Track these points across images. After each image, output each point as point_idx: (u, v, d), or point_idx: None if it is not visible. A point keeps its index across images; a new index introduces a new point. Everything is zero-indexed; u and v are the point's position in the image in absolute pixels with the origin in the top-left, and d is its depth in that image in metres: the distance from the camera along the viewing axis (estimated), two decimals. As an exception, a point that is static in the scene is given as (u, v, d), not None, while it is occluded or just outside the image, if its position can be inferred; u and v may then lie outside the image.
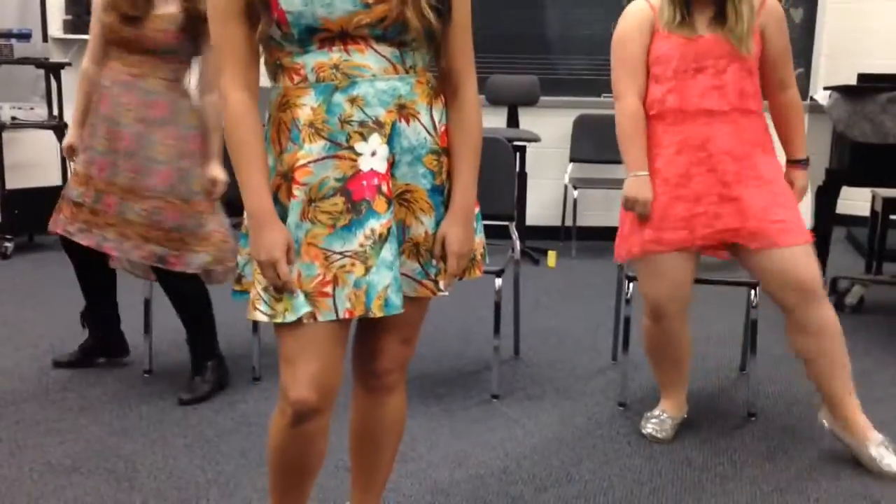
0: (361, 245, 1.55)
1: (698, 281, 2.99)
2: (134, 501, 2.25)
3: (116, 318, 3.25)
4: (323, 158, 1.55)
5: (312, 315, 1.55)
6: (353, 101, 1.54)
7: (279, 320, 1.56)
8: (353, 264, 1.55)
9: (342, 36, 1.53)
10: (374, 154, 1.55)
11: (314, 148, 1.55)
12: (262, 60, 1.61)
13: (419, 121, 1.60)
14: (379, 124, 1.55)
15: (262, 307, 1.57)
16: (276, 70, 1.60)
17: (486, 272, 1.83)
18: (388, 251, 1.56)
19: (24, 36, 4.96)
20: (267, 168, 1.58)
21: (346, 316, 1.56)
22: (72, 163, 3.02)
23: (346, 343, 1.65)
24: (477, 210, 1.73)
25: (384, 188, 1.55)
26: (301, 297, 1.55)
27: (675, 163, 2.54)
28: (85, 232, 2.85)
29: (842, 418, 2.54)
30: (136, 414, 2.83)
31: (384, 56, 1.56)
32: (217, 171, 2.88)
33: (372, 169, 1.55)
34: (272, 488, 1.75)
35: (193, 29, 2.79)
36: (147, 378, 3.14)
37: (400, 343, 1.75)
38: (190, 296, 2.99)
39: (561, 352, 3.56)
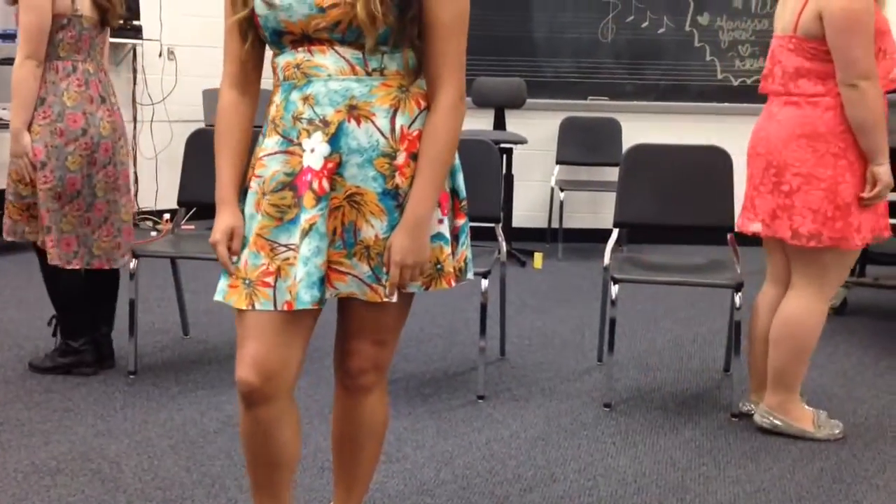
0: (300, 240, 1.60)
1: (681, 283, 3.01)
2: (119, 502, 2.25)
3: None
4: (276, 153, 1.63)
5: (251, 303, 1.60)
6: (305, 99, 1.60)
7: (217, 297, 1.66)
8: (295, 257, 1.59)
9: (307, 38, 1.59)
10: (312, 151, 1.59)
11: (269, 142, 1.64)
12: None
13: (373, 123, 1.59)
14: (325, 123, 1.58)
15: (219, 286, 1.67)
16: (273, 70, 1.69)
17: (474, 274, 1.83)
18: (307, 246, 1.57)
19: (9, 36, 4.94)
20: (237, 160, 1.68)
21: (286, 308, 1.59)
22: None
23: (303, 336, 1.66)
24: (464, 221, 1.73)
25: (315, 185, 1.58)
26: (223, 282, 1.64)
27: None
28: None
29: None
30: (120, 415, 2.82)
31: (344, 58, 1.58)
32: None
33: (309, 166, 1.59)
34: (251, 485, 1.78)
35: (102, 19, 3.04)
36: (131, 379, 3.13)
37: (372, 344, 1.76)
38: (46, 276, 3.13)
39: (547, 353, 3.58)
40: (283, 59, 1.62)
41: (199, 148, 3.47)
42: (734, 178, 3.15)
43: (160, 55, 6.04)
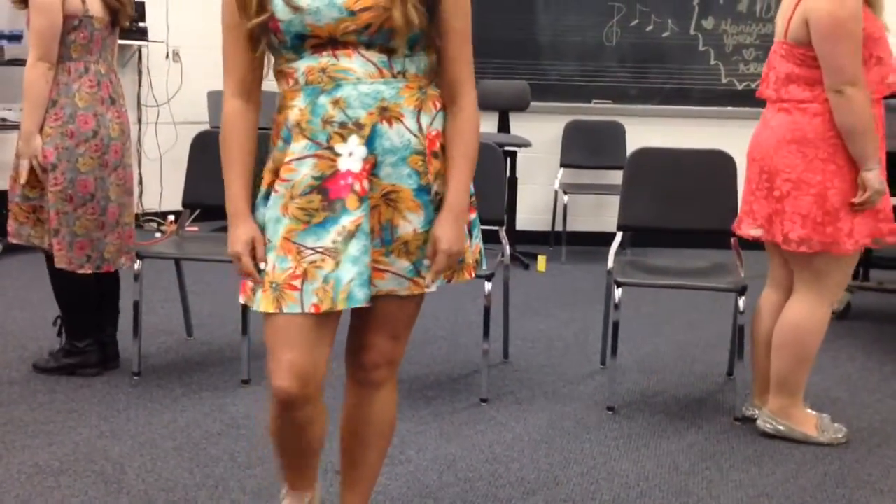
0: (334, 242, 1.61)
1: (684, 287, 3.01)
2: (122, 504, 2.25)
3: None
4: (304, 157, 1.63)
5: (279, 307, 1.62)
6: (335, 102, 1.61)
7: (243, 301, 1.71)
8: (323, 260, 1.61)
9: (332, 42, 1.61)
10: (351, 154, 1.62)
11: (297, 147, 1.64)
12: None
13: (403, 123, 1.64)
14: (359, 126, 1.61)
15: (246, 293, 1.71)
16: (277, 75, 1.69)
17: (476, 276, 1.85)
18: (355, 247, 1.61)
19: (16, 37, 4.95)
20: (247, 171, 1.69)
21: (312, 311, 1.61)
22: None
23: (331, 335, 1.70)
24: (474, 216, 1.78)
25: (357, 187, 1.61)
26: (259, 293, 1.65)
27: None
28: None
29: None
30: (123, 417, 2.82)
31: (371, 61, 1.62)
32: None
33: (348, 169, 1.62)
34: (279, 462, 1.86)
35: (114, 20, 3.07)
36: (135, 381, 3.14)
37: (388, 339, 1.79)
38: (54, 277, 3.13)
39: (550, 356, 3.58)
40: (305, 64, 1.62)
41: (204, 149, 3.47)
42: (738, 182, 3.15)
43: (166, 57, 6.05)
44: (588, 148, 5.76)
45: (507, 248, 3.35)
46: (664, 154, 3.33)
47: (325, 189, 1.61)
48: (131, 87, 5.93)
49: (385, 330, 1.78)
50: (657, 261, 3.46)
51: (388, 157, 1.63)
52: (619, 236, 3.26)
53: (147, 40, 5.79)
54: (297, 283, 1.61)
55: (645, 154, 3.32)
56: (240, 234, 1.68)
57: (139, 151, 6.01)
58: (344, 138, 1.61)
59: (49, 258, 3.07)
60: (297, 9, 1.58)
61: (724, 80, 5.79)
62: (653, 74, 5.80)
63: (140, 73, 5.98)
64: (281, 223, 1.64)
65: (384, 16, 1.56)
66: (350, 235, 1.60)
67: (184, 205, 3.51)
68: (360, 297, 1.61)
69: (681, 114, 5.77)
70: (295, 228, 1.62)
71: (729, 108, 5.75)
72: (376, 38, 1.59)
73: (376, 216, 1.65)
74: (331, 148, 1.61)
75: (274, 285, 1.62)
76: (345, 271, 1.60)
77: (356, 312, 1.77)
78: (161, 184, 6.05)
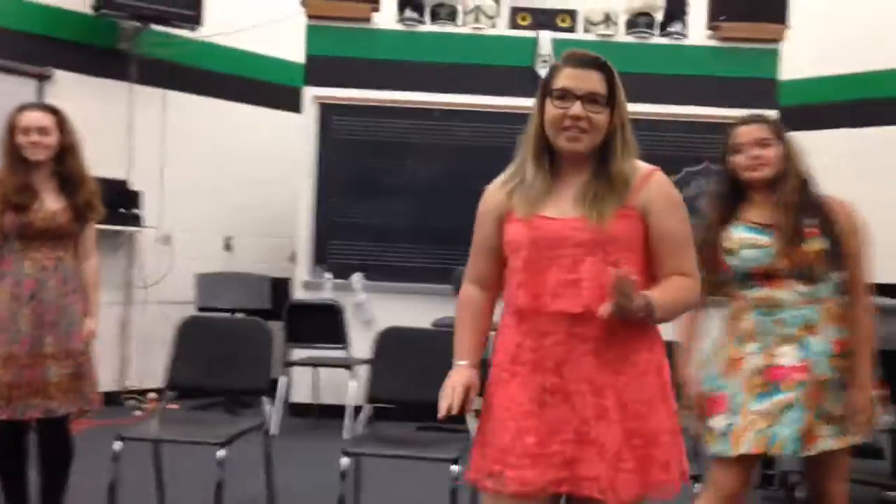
0: (767, 409, 2.49)
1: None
2: None
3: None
4: (753, 354, 2.56)
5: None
6: (776, 321, 2.55)
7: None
8: (759, 419, 2.49)
9: (768, 276, 2.55)
10: (785, 356, 2.53)
11: (749, 347, 2.58)
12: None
13: (822, 335, 2.55)
14: (792, 338, 2.54)
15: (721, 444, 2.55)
16: (726, 295, 2.65)
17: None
18: (789, 414, 2.50)
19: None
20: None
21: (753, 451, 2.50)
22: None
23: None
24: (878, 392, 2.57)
25: (791, 376, 2.51)
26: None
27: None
28: (3, 409, 3.08)
29: None
30: None
31: (797, 291, 2.55)
32: (93, 324, 3.26)
33: (783, 364, 2.52)
34: None
35: (82, 216, 3.23)
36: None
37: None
38: (71, 448, 3.26)
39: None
40: (752, 293, 2.59)
41: (190, 334, 3.65)
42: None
43: (157, 242, 6.32)
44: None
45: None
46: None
47: (766, 373, 2.58)
48: (122, 270, 6.16)
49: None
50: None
51: (816, 358, 2.58)
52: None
53: (140, 226, 6.08)
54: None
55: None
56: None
57: (125, 331, 6.16)
58: (782, 344, 2.59)
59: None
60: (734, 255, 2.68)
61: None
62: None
63: (131, 257, 6.22)
64: (740, 394, 2.58)
65: (803, 259, 2.60)
66: (785, 406, 2.54)
67: (167, 386, 3.62)
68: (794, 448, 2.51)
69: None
70: (748, 398, 2.59)
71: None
72: (795, 272, 2.62)
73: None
74: (771, 351, 2.61)
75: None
76: (781, 428, 2.48)
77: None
78: (145, 361, 6.15)
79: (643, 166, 2.02)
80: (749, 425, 2.51)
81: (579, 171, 1.99)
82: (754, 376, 2.56)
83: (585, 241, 1.92)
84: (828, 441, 2.52)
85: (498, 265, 2.08)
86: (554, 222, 1.96)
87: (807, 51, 6.20)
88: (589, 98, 1.94)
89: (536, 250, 1.95)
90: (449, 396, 1.93)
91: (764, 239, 2.60)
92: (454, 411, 1.89)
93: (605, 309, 1.82)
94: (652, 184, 1.99)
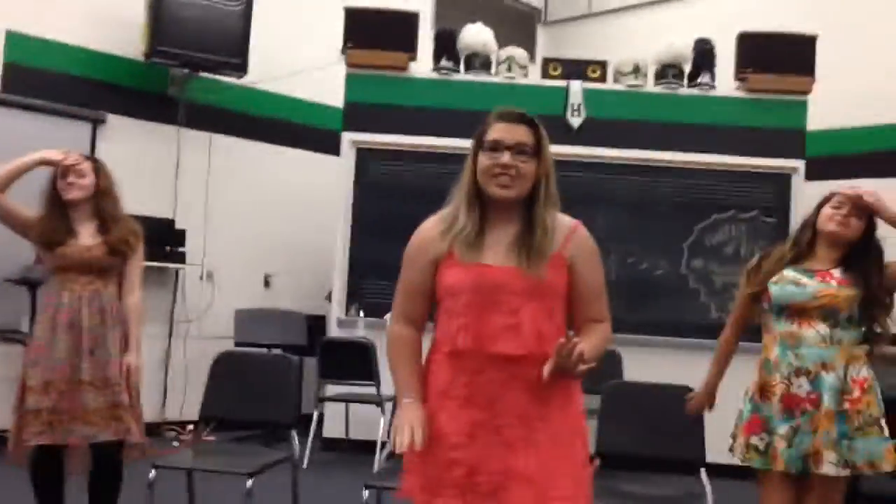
0: (786, 432, 2.78)
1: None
2: None
3: None
4: (778, 384, 2.85)
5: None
6: (797, 356, 2.81)
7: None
8: (781, 440, 2.80)
9: (800, 312, 2.81)
10: (800, 387, 2.81)
11: (776, 376, 2.86)
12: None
13: (836, 373, 2.78)
14: (808, 372, 2.80)
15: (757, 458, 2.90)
16: (761, 326, 2.96)
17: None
18: (796, 438, 2.80)
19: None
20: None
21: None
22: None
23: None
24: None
25: (801, 405, 2.80)
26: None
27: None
28: (45, 434, 3.27)
29: None
30: None
31: (819, 332, 2.79)
32: (133, 358, 3.40)
33: (797, 394, 2.80)
34: None
35: (117, 251, 3.42)
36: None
37: None
38: (120, 477, 3.42)
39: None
40: (779, 328, 2.87)
41: (226, 367, 3.84)
42: (705, 415, 3.40)
43: (200, 278, 6.58)
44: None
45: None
46: (638, 388, 3.66)
47: (784, 401, 2.88)
48: (166, 304, 6.42)
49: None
50: (631, 486, 3.65)
51: (828, 392, 2.82)
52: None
53: (185, 263, 6.34)
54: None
55: (621, 386, 3.64)
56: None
57: (167, 363, 6.40)
58: (799, 376, 2.85)
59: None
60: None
61: (713, 316, 6.12)
62: (648, 308, 6.17)
63: (175, 292, 6.47)
64: (772, 418, 2.92)
65: (833, 301, 2.85)
66: (794, 430, 2.86)
67: (201, 417, 3.81)
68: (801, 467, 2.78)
69: (674, 345, 6.06)
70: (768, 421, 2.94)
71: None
72: (820, 311, 2.86)
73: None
74: (790, 380, 2.87)
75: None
76: (797, 450, 2.81)
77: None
78: (185, 393, 6.35)
79: (567, 220, 2.22)
80: (778, 445, 2.86)
81: (509, 219, 2.17)
82: (779, 402, 2.88)
83: (524, 288, 2.09)
84: (830, 467, 2.79)
85: (428, 306, 2.24)
86: (492, 269, 2.11)
87: (834, 101, 6.28)
88: (518, 149, 2.13)
89: (479, 295, 2.10)
90: (408, 433, 2.06)
91: (806, 279, 2.91)
92: (417, 448, 2.03)
93: (547, 369, 1.99)
94: (577, 238, 2.19)
